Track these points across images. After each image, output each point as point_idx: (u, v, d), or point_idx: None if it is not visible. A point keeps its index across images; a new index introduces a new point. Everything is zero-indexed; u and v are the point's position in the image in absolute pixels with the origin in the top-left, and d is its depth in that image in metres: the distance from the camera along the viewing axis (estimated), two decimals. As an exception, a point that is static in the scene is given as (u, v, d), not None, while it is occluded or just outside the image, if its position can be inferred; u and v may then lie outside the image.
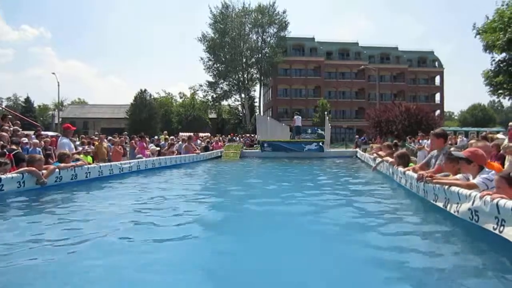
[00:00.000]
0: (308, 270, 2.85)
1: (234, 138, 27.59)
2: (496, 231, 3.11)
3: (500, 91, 22.52)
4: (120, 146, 12.86)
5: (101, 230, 3.93)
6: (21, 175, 6.33)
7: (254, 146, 23.78)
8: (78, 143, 13.51)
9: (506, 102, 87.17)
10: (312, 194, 6.85)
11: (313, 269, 2.87)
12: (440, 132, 5.84)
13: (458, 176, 4.54)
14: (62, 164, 7.36)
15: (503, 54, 21.22)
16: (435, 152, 5.78)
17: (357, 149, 21.23)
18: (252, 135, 30.80)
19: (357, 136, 32.10)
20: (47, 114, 76.25)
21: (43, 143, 11.31)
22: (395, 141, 12.74)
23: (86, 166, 8.20)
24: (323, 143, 19.98)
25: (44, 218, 4.60)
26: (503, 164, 7.86)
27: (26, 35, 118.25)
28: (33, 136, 11.97)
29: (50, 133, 17.47)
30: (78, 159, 8.46)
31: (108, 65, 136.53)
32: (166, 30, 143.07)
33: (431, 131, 6.24)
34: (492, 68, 22.27)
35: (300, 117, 25.73)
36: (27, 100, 62.21)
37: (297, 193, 6.91)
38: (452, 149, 5.39)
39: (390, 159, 8.51)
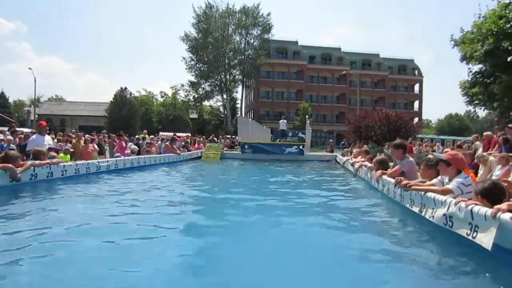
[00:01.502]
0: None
1: (215, 139, 27.43)
2: (470, 237, 3.18)
3: (476, 102, 23.09)
4: (90, 145, 12.49)
5: (74, 229, 3.86)
6: (-7, 171, 6.12)
7: (235, 147, 23.74)
8: (55, 140, 13.21)
9: (481, 113, 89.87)
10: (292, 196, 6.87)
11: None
12: (398, 143, 6.57)
13: (434, 180, 4.64)
14: (37, 161, 7.17)
15: (480, 66, 21.78)
16: (397, 161, 6.47)
17: (337, 154, 21.41)
18: (233, 136, 30.74)
19: (331, 141, 32.41)
20: (22, 110, 74.36)
21: (17, 139, 11.03)
22: (365, 146, 13.13)
23: (62, 164, 8.00)
24: (303, 147, 20.10)
25: (17, 216, 4.46)
26: (476, 173, 8.12)
27: (1, 29, 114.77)
28: (7, 132, 11.68)
29: (26, 130, 17.03)
30: (53, 157, 8.24)
31: (87, 62, 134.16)
32: (148, 28, 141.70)
33: (391, 142, 6.92)
34: (469, 79, 22.83)
35: (285, 121, 26.19)
36: (2, 95, 60.31)
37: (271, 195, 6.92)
38: (429, 156, 5.55)
39: (369, 164, 8.65)
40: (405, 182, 5.08)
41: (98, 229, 3.96)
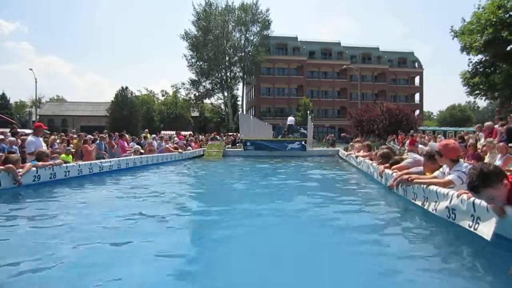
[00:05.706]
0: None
1: (217, 137, 27.39)
2: (471, 229, 3.18)
3: (476, 92, 23.10)
4: (89, 145, 12.39)
5: (77, 230, 3.87)
6: (-4, 174, 6.17)
7: (237, 145, 23.73)
8: (58, 141, 13.23)
9: (482, 103, 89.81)
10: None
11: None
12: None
13: (436, 172, 4.63)
14: (40, 163, 7.20)
15: (480, 56, 21.78)
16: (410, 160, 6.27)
17: (339, 148, 21.40)
18: (235, 133, 30.75)
19: (331, 135, 32.30)
20: (24, 111, 74.42)
21: (19, 141, 11.04)
22: (367, 142, 13.09)
23: (64, 165, 8.03)
24: (305, 142, 20.08)
25: (21, 218, 4.49)
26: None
27: (1, 29, 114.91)
28: (9, 133, 11.69)
29: (27, 131, 17.06)
30: (55, 158, 8.27)
31: (88, 62, 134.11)
32: (148, 26, 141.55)
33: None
34: (469, 70, 22.83)
35: (293, 118, 26.63)
36: (3, 96, 60.43)
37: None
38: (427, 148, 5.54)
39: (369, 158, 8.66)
40: (406, 176, 5.08)
41: (96, 231, 3.98)
